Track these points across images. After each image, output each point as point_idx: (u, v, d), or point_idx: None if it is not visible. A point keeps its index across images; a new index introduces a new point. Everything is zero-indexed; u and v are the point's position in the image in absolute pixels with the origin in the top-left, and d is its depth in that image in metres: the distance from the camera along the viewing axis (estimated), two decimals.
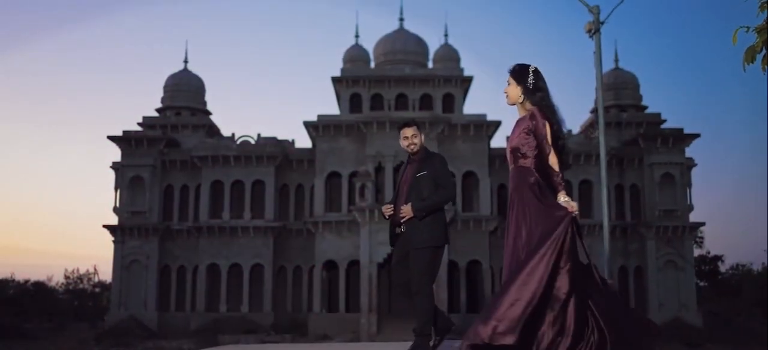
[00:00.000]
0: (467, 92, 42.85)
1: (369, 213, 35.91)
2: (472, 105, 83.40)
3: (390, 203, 5.65)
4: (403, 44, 43.99)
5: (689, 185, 40.41)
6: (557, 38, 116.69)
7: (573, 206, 4.04)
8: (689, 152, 40.44)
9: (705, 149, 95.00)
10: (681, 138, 39.84)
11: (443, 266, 34.98)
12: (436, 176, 5.49)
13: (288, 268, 40.27)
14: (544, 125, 4.18)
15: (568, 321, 3.84)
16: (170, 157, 41.21)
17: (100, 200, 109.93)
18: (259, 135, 41.10)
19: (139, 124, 42.80)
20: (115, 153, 41.97)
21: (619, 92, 43.12)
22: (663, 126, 41.26)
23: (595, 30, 14.02)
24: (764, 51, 4.29)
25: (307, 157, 40.61)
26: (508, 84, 4.37)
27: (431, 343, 5.40)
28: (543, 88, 4.29)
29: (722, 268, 55.11)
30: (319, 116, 39.45)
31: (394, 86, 41.33)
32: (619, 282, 38.11)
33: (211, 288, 39.33)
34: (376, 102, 41.23)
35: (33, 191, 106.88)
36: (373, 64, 44.08)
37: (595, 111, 42.24)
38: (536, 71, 4.30)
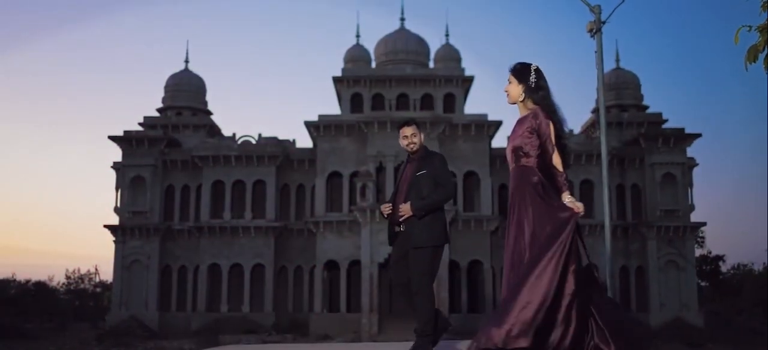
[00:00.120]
0: (468, 91, 42.85)
1: (370, 213, 35.90)
2: (473, 105, 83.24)
3: (389, 202, 5.63)
4: (404, 44, 43.99)
5: (690, 185, 40.38)
6: (558, 38, 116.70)
7: (579, 206, 4.01)
8: (690, 151, 40.45)
9: (706, 148, 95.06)
10: (682, 138, 39.81)
11: (444, 266, 34.98)
12: (435, 175, 5.47)
13: (289, 268, 40.27)
14: (548, 125, 4.15)
15: (572, 323, 3.83)
16: (171, 157, 41.21)
17: (101, 200, 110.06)
18: (260, 135, 41.09)
19: (139, 124, 42.80)
20: (116, 153, 42.06)
21: (620, 92, 43.09)
22: (664, 126, 41.23)
23: (596, 29, 13.98)
24: (766, 50, 4.28)
25: (308, 157, 40.60)
26: (509, 83, 4.33)
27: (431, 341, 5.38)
28: (544, 87, 4.27)
29: (723, 268, 55.12)
30: (320, 116, 39.43)
31: (395, 86, 41.33)
32: (621, 282, 38.12)
33: (212, 288, 39.32)
34: (377, 102, 41.22)
35: (33, 191, 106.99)
36: (374, 64, 44.08)
37: (596, 111, 42.24)
38: (538, 70, 4.28)
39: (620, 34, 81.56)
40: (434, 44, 45.13)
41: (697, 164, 40.78)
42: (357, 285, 37.31)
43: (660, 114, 42.18)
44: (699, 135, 40.13)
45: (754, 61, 4.33)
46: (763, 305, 42.11)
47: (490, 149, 39.19)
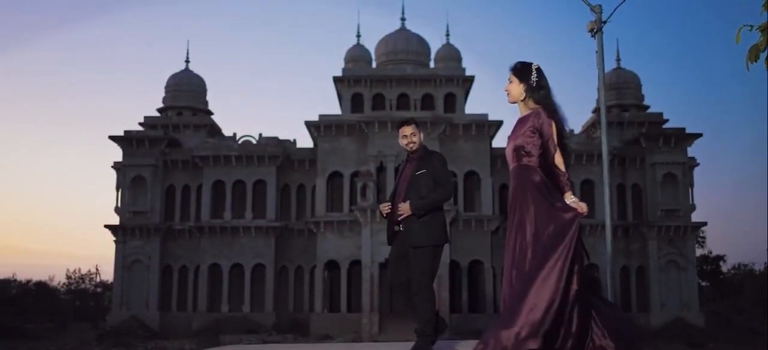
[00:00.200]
0: (469, 91, 42.84)
1: (371, 213, 35.89)
2: (474, 105, 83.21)
3: (388, 201, 5.62)
4: (404, 44, 43.98)
5: (691, 184, 40.36)
6: (558, 38, 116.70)
7: (582, 207, 3.99)
8: (691, 151, 40.43)
9: (706, 148, 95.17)
10: (683, 138, 39.79)
11: (445, 266, 35.00)
12: (435, 174, 5.45)
13: (289, 268, 40.27)
14: (551, 125, 4.13)
15: (574, 323, 3.82)
16: (172, 157, 41.22)
17: (102, 200, 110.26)
18: (260, 135, 41.10)
19: (140, 124, 42.81)
20: (117, 153, 42.05)
21: (621, 92, 43.08)
22: (665, 126, 41.21)
23: (597, 29, 13.97)
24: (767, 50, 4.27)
25: (308, 157, 40.60)
26: (510, 82, 4.31)
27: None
28: (546, 86, 4.25)
29: (724, 268, 55.16)
30: (320, 116, 39.43)
31: (396, 86, 41.32)
32: (621, 282, 38.09)
33: (212, 288, 39.32)
34: (378, 102, 41.22)
35: (33, 191, 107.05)
36: (374, 64, 44.08)
37: (596, 111, 42.22)
38: (539, 69, 4.26)
39: (621, 34, 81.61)
40: (435, 44, 45.20)
41: (697, 164, 40.77)
42: (358, 285, 37.31)
43: (661, 114, 42.16)
44: (700, 135, 40.12)
45: (756, 61, 4.32)
46: (764, 305, 42.10)
47: (491, 149, 39.17)
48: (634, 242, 39.51)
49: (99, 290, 53.88)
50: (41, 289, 50.67)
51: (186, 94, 44.74)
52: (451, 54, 44.10)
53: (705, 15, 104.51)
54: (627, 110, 43.04)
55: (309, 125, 39.48)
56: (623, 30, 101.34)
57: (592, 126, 42.94)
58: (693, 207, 39.95)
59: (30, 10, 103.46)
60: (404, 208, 5.38)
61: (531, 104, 4.25)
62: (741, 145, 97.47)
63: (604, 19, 14.08)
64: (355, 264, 37.46)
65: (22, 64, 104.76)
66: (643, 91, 44.34)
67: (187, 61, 45.94)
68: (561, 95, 4.29)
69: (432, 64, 44.19)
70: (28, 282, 51.84)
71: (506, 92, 4.35)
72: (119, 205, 40.62)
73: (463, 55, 44.94)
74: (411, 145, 5.57)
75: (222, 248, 39.40)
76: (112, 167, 41.45)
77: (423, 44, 44.68)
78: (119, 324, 38.18)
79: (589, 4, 14.27)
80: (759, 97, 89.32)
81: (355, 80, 41.53)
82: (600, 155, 31.80)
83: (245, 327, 36.40)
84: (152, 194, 40.40)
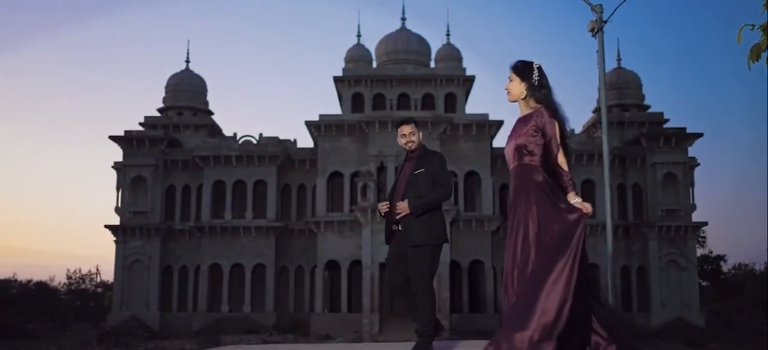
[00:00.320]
0: (469, 91, 42.83)
1: (371, 213, 35.87)
2: (474, 105, 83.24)
3: (387, 200, 5.60)
4: (405, 44, 43.97)
5: (692, 184, 40.33)
6: (558, 38, 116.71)
7: (587, 207, 3.97)
8: (691, 151, 40.40)
9: (707, 148, 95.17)
10: (683, 138, 39.77)
11: (445, 266, 34.99)
12: (434, 173, 5.43)
13: (290, 268, 40.25)
14: (553, 125, 4.10)
15: (579, 323, 3.82)
16: (172, 157, 41.21)
17: (102, 200, 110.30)
18: (260, 135, 41.08)
19: (140, 124, 42.81)
20: (117, 153, 42.04)
21: (621, 92, 43.06)
22: (665, 126, 41.19)
23: (598, 29, 13.96)
24: None
25: (309, 157, 40.59)
26: (510, 80, 4.27)
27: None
28: (547, 85, 4.22)
29: (724, 268, 55.09)
30: (320, 116, 39.41)
31: (396, 86, 41.31)
32: (622, 282, 38.07)
33: (213, 288, 39.31)
34: (378, 102, 41.21)
35: (33, 191, 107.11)
36: (375, 64, 44.07)
37: (597, 111, 42.21)
38: (540, 68, 4.23)
39: (621, 34, 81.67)
40: (435, 44, 45.19)
41: (698, 164, 40.74)
42: (358, 285, 37.29)
43: (661, 114, 42.14)
44: (700, 135, 40.09)
45: (757, 60, 4.31)
46: (764, 305, 42.07)
47: (492, 148, 39.15)
48: (635, 242, 39.49)
49: (99, 290, 53.87)
50: (42, 289, 50.66)
51: (186, 94, 44.74)
52: (451, 54, 44.09)
53: (705, 15, 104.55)
54: (627, 109, 43.02)
55: (309, 125, 39.47)
56: (624, 30, 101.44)
57: (592, 126, 42.92)
58: (693, 207, 39.93)
59: (30, 10, 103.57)
60: (402, 207, 5.36)
61: (532, 103, 4.22)
62: (741, 145, 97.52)
63: (604, 18, 14.07)
64: (356, 264, 37.45)
65: (22, 64, 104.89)
66: (644, 91, 44.36)
67: (188, 61, 45.99)
68: (561, 95, 4.27)
69: (432, 64, 44.17)
70: (29, 282, 51.86)
71: (506, 91, 4.31)
72: (119, 205, 40.62)
73: (464, 55, 45.03)
74: (410, 144, 5.56)
75: (222, 248, 39.39)
76: (112, 167, 41.47)
77: (423, 44, 44.66)
78: (119, 324, 38.17)
79: (589, 4, 14.26)
80: (759, 97, 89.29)
81: (356, 80, 41.52)
82: (600, 155, 31.76)
83: (245, 327, 36.39)
84: (152, 194, 40.39)
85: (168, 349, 34.52)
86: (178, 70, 45.76)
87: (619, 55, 44.70)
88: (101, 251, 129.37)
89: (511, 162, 4.21)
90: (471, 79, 41.98)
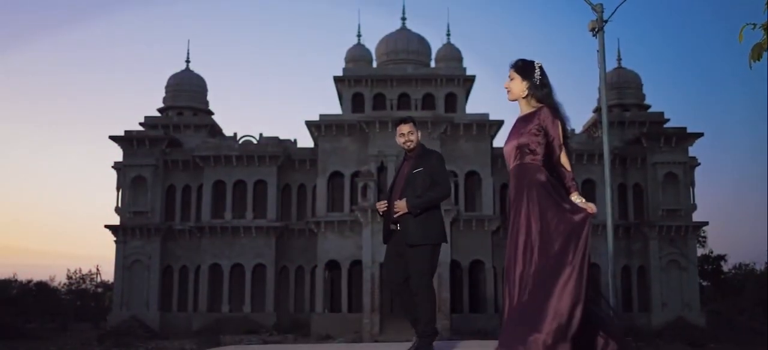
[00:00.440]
0: (470, 91, 42.81)
1: (371, 213, 35.84)
2: (475, 105, 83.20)
3: (385, 200, 5.57)
4: (405, 44, 43.94)
5: (692, 184, 40.30)
6: (558, 38, 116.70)
7: (591, 207, 3.94)
8: (692, 151, 40.37)
9: (707, 148, 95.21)
10: (684, 137, 39.74)
11: (445, 266, 34.96)
12: (432, 173, 5.41)
13: (290, 268, 40.24)
14: (557, 125, 4.07)
15: (585, 323, 3.81)
16: (172, 157, 41.20)
17: (102, 200, 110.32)
18: (261, 135, 41.07)
19: (140, 124, 42.79)
20: (117, 153, 42.04)
21: (621, 91, 43.03)
22: (666, 125, 41.16)
23: (598, 28, 13.95)
24: None
25: (309, 157, 40.57)
26: (511, 79, 4.23)
27: (414, 346, 5.33)
28: (548, 85, 4.19)
29: (725, 268, 55.04)
30: (321, 116, 39.39)
31: (397, 86, 41.29)
32: (623, 282, 38.04)
33: (213, 288, 39.30)
34: (379, 102, 41.18)
35: (33, 191, 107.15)
36: (375, 64, 44.05)
37: (597, 110, 42.20)
38: (542, 67, 4.20)
39: (622, 34, 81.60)
40: (435, 44, 45.16)
41: (699, 164, 40.71)
42: (358, 285, 37.26)
43: (662, 113, 42.11)
44: (701, 134, 40.06)
45: (758, 60, 4.30)
46: (765, 305, 42.05)
47: (492, 148, 39.12)
48: (636, 242, 39.47)
49: (99, 290, 53.86)
50: (42, 289, 50.65)
51: (186, 94, 44.72)
52: (451, 54, 44.07)
53: (706, 15, 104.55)
54: (628, 109, 43.00)
55: (309, 124, 39.45)
56: (624, 30, 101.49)
57: (593, 126, 42.89)
58: (694, 207, 39.90)
59: (30, 10, 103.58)
60: (400, 205, 5.34)
61: (533, 102, 4.19)
62: (742, 144, 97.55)
63: (605, 18, 14.05)
64: (356, 264, 37.43)
65: (22, 64, 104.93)
66: (644, 90, 44.32)
67: (188, 61, 45.97)
68: (561, 95, 4.24)
69: (433, 64, 44.14)
70: (29, 282, 51.84)
71: (507, 90, 4.27)
72: (119, 205, 40.61)
73: (464, 54, 44.99)
74: (408, 143, 5.54)
75: (222, 248, 39.38)
76: (112, 167, 41.46)
77: (424, 44, 44.64)
78: (120, 325, 38.16)
79: (590, 4, 14.24)
80: (760, 96, 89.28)
81: (356, 80, 41.50)
82: (601, 155, 31.75)
83: (246, 327, 36.38)
84: (153, 194, 40.38)
85: (168, 349, 34.52)
86: (178, 70, 45.79)
87: (619, 55, 44.69)
88: (101, 251, 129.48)
89: (511, 161, 4.16)
90: (471, 79, 41.96)
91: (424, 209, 5.33)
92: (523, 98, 4.22)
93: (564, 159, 4.09)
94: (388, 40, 44.41)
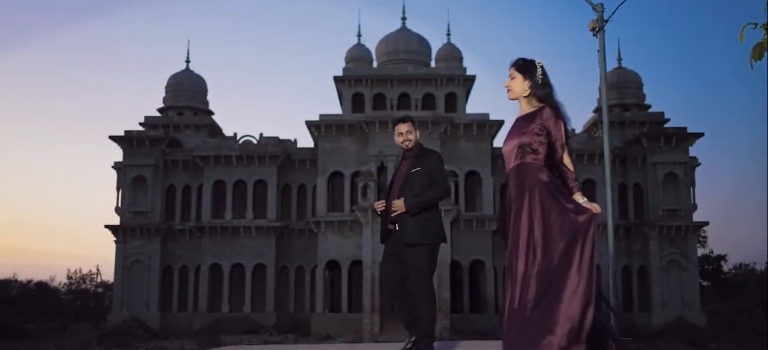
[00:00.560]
0: (470, 91, 42.80)
1: (371, 213, 35.80)
2: (475, 104, 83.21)
3: (383, 199, 5.55)
4: (405, 44, 43.92)
5: (693, 184, 40.27)
6: (558, 38, 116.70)
7: (595, 207, 3.90)
8: (692, 151, 40.35)
9: (708, 148, 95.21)
10: (684, 137, 39.72)
11: (445, 266, 34.94)
12: (431, 172, 5.38)
13: (290, 268, 40.22)
14: (559, 126, 4.04)
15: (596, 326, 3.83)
16: (172, 157, 41.18)
17: (102, 200, 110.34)
18: (261, 135, 41.06)
19: (140, 124, 42.78)
20: (117, 153, 42.02)
21: (622, 91, 43.00)
22: (666, 125, 41.14)
23: (599, 28, 13.93)
24: None
25: (309, 157, 40.56)
26: (512, 78, 4.18)
27: (408, 346, 5.31)
28: (549, 84, 4.14)
29: (725, 268, 55.05)
30: (321, 116, 39.37)
31: (397, 86, 41.28)
32: (623, 282, 38.03)
33: (213, 288, 39.29)
34: (379, 101, 41.17)
35: (33, 191, 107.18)
36: (375, 64, 44.04)
37: (597, 110, 42.16)
38: (543, 67, 4.17)
39: (622, 34, 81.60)
40: (436, 44, 45.14)
41: (699, 164, 40.68)
42: (358, 285, 37.25)
43: (662, 113, 42.09)
44: (701, 134, 40.03)
45: (759, 59, 4.28)
46: (765, 305, 42.06)
47: (492, 148, 39.10)
48: (636, 242, 39.45)
49: (100, 290, 53.88)
50: (42, 289, 50.66)
51: (186, 94, 44.71)
52: (451, 54, 44.06)
53: (706, 15, 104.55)
54: (628, 109, 42.97)
55: (309, 124, 39.43)
56: (624, 29, 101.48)
57: (593, 126, 42.86)
58: (694, 207, 39.88)
59: (30, 10, 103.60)
60: (398, 205, 5.31)
61: (534, 101, 4.14)
62: (742, 144, 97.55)
63: (605, 18, 14.04)
64: (356, 264, 37.41)
65: (22, 64, 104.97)
66: (645, 90, 44.29)
67: (188, 61, 45.95)
68: (561, 95, 4.20)
69: (433, 64, 44.12)
70: (29, 282, 51.85)
71: (507, 89, 4.22)
72: (120, 205, 40.59)
73: (464, 54, 44.96)
74: (407, 143, 5.51)
75: (222, 248, 39.37)
76: (112, 167, 41.44)
77: (424, 44, 44.62)
78: (120, 325, 38.14)
79: (591, 3, 14.22)
80: (760, 97, 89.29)
81: (356, 80, 41.49)
82: (601, 155, 31.74)
83: (246, 328, 36.36)
84: (153, 194, 40.37)
85: (168, 349, 34.50)
86: (178, 70, 45.77)
87: (619, 55, 44.66)
88: (101, 251, 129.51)
89: (511, 161, 4.11)
90: (471, 79, 41.94)
91: (422, 208, 5.31)
92: (525, 97, 4.17)
93: (567, 159, 4.06)
94: (388, 40, 44.40)
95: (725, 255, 54.38)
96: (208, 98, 46.23)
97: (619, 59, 44.38)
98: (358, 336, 34.39)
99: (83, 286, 52.42)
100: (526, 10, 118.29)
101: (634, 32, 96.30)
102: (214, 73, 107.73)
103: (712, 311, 43.22)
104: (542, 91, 4.12)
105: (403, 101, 41.16)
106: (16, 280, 52.26)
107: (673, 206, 39.12)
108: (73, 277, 52.02)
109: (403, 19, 45.25)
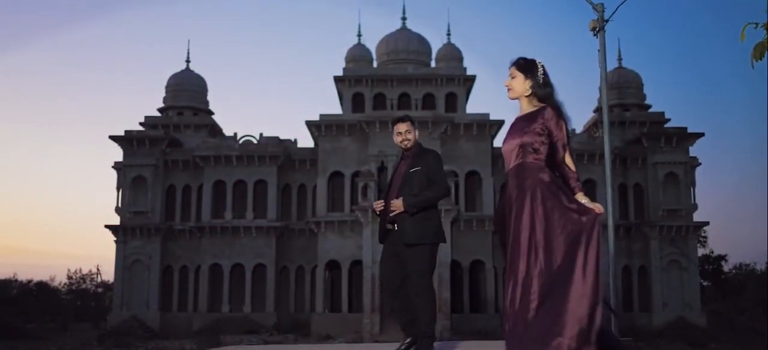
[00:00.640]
0: (470, 91, 42.78)
1: (372, 213, 35.79)
2: (475, 104, 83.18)
3: (381, 199, 5.53)
4: (405, 43, 43.91)
5: (693, 184, 40.26)
6: (559, 38, 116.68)
7: (598, 207, 3.88)
8: (693, 151, 40.34)
9: (708, 148, 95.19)
10: (685, 137, 39.70)
11: (446, 266, 34.94)
12: (429, 172, 5.35)
13: (290, 268, 40.21)
14: (561, 127, 4.01)
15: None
16: (172, 157, 41.18)
17: (102, 200, 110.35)
18: (261, 135, 41.05)
19: (141, 124, 42.77)
20: (117, 153, 42.02)
21: (622, 91, 42.98)
22: (666, 125, 41.12)
23: (599, 28, 13.92)
24: None
25: (309, 157, 40.55)
26: (513, 77, 4.15)
27: (402, 347, 5.29)
28: (551, 84, 4.12)
29: (726, 268, 55.04)
30: (321, 116, 39.36)
31: (397, 86, 41.27)
32: (623, 282, 38.00)
33: (213, 288, 39.28)
34: (379, 101, 41.15)
35: (33, 191, 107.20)
36: (375, 64, 44.03)
37: (598, 110, 42.15)
38: (544, 67, 4.15)
39: (622, 34, 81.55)
40: (436, 44, 45.12)
41: (699, 164, 40.66)
42: (359, 285, 37.24)
43: (662, 113, 42.07)
44: (702, 134, 40.01)
45: (761, 59, 4.26)
46: (765, 305, 42.05)
47: (492, 148, 39.08)
48: (636, 242, 39.43)
49: (100, 290, 53.87)
50: (42, 289, 50.65)
51: (187, 94, 44.70)
52: (452, 53, 44.04)
53: (706, 15, 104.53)
54: (628, 109, 42.95)
55: (310, 124, 39.42)
56: (624, 29, 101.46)
57: (593, 126, 42.84)
58: (695, 207, 39.86)
59: (30, 10, 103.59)
60: (397, 204, 5.29)
61: (535, 101, 4.11)
62: (742, 144, 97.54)
63: (606, 17, 14.03)
64: (356, 264, 37.40)
65: (22, 64, 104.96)
66: (645, 90, 44.27)
67: (188, 61, 45.94)
68: (562, 95, 4.18)
69: (433, 64, 44.11)
70: (29, 282, 51.83)
71: (508, 88, 4.18)
72: (120, 205, 40.58)
73: (464, 54, 44.94)
74: (405, 142, 5.48)
75: (223, 248, 39.35)
76: (112, 167, 41.44)
77: (424, 44, 44.60)
78: (120, 325, 38.13)
79: (591, 3, 14.22)
80: (760, 96, 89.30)
81: (356, 80, 41.48)
82: (602, 155, 31.69)
83: (246, 328, 36.35)
84: (153, 194, 40.36)
85: (168, 349, 34.49)
86: (178, 70, 45.77)
87: (620, 55, 44.63)
88: (102, 251, 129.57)
89: (511, 160, 4.07)
90: (472, 79, 41.93)
91: (421, 208, 5.28)
92: (526, 96, 4.14)
93: (568, 159, 4.04)
94: (388, 40, 44.39)
95: (725, 255, 54.42)
96: (208, 97, 46.26)
97: (620, 59, 44.40)
98: (358, 337, 34.39)
99: (83, 286, 52.42)
100: (526, 10, 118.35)
101: (635, 32, 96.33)
102: (214, 73, 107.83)
103: (713, 311, 43.19)
104: (544, 90, 4.09)
105: (404, 100, 41.15)
106: (16, 280, 52.28)
107: (673, 206, 39.11)
108: (73, 277, 52.04)
109: (404, 19, 45.26)
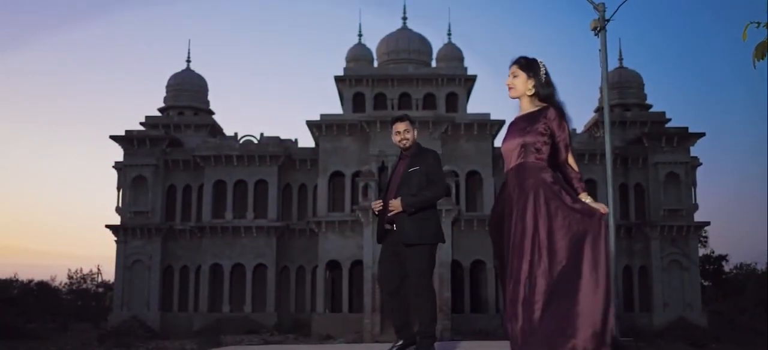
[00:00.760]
0: (471, 91, 42.75)
1: (372, 213, 35.71)
2: (476, 104, 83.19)
3: (380, 199, 5.50)
4: (406, 43, 43.89)
5: (694, 184, 40.23)
6: (559, 38, 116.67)
7: (603, 207, 3.84)
8: (693, 151, 40.32)
9: (709, 148, 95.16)
10: (685, 137, 39.67)
11: (446, 266, 34.93)
12: (428, 172, 5.32)
13: (291, 268, 40.20)
14: (564, 127, 3.98)
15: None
16: (173, 157, 41.17)
17: (102, 200, 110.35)
18: (261, 135, 41.04)
19: (141, 123, 42.78)
20: (118, 153, 42.05)
21: (623, 91, 42.96)
22: (667, 125, 41.10)
23: (600, 28, 13.91)
24: None
25: (310, 156, 40.54)
26: (515, 76, 4.10)
27: (397, 347, 5.27)
28: (552, 84, 4.08)
29: (726, 268, 55.02)
30: (322, 116, 39.35)
31: (398, 85, 41.25)
32: (624, 282, 37.96)
33: (213, 288, 39.27)
34: (380, 101, 41.14)
35: (33, 191, 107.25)
36: (376, 64, 44.02)
37: (598, 110, 42.11)
38: (545, 66, 4.12)
39: (623, 33, 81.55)
40: (436, 43, 45.14)
41: (700, 164, 40.64)
42: (359, 285, 37.23)
43: (663, 113, 42.04)
44: (702, 134, 39.98)
45: (762, 59, 4.24)
46: (766, 305, 42.03)
47: (493, 148, 39.07)
48: (637, 242, 39.41)
49: (100, 290, 53.91)
50: (43, 289, 50.68)
51: (187, 93, 44.70)
52: (452, 53, 44.02)
53: (707, 15, 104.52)
54: (629, 109, 42.93)
55: (310, 124, 39.40)
56: (625, 29, 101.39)
57: (594, 125, 42.81)
58: (696, 207, 39.83)
59: (30, 10, 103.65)
60: (395, 204, 5.27)
61: (536, 101, 4.08)
62: (743, 144, 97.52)
63: (607, 17, 14.01)
64: (357, 264, 37.39)
65: (22, 64, 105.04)
66: (646, 90, 44.25)
67: (188, 61, 45.95)
68: (563, 95, 4.15)
69: (433, 64, 44.08)
70: (30, 282, 51.89)
71: (509, 87, 4.13)
72: (120, 205, 40.59)
73: (465, 54, 44.94)
74: (404, 142, 5.45)
75: (223, 248, 39.34)
76: (113, 167, 41.44)
77: (425, 44, 44.58)
78: (120, 325, 38.13)
79: (592, 3, 14.21)
80: (760, 97, 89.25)
81: (357, 80, 41.46)
82: (602, 155, 31.70)
83: (246, 328, 36.34)
84: (153, 194, 40.36)
85: (169, 349, 34.47)
86: (178, 69, 45.79)
87: (620, 55, 44.61)
88: (102, 251, 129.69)
89: (511, 160, 4.02)
90: (472, 79, 41.90)
91: (420, 208, 5.26)
92: (527, 96, 4.10)
93: (571, 160, 4.01)
94: (389, 40, 44.37)
95: (726, 255, 54.40)
96: (209, 97, 46.26)
97: (621, 59, 44.38)
98: (358, 337, 34.38)
99: (84, 286, 52.48)
100: (526, 10, 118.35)
101: (636, 32, 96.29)
102: (215, 73, 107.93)
103: (713, 311, 43.17)
104: (545, 90, 4.06)
105: (404, 100, 41.14)
106: (16, 280, 52.32)
107: (674, 206, 39.08)
108: (74, 277, 52.11)
109: (404, 18, 45.26)
